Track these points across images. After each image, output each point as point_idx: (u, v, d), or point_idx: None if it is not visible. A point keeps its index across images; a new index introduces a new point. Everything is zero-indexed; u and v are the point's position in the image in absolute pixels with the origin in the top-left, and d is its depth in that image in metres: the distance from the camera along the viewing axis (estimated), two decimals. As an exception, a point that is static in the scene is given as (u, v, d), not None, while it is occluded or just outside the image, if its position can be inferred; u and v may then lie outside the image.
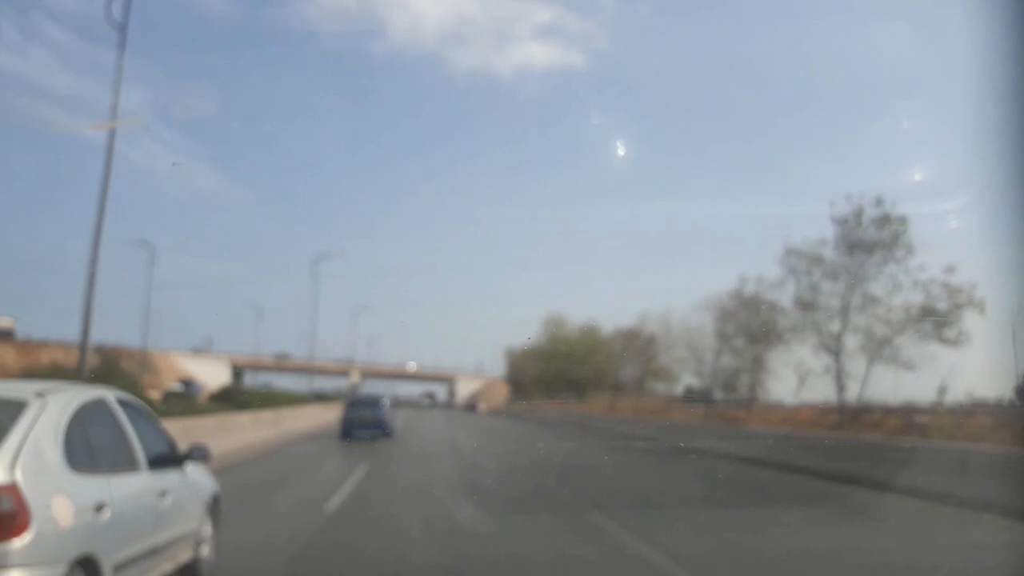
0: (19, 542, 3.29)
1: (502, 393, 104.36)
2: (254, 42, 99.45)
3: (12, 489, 3.34)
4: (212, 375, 69.75)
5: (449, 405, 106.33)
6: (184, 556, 5.28)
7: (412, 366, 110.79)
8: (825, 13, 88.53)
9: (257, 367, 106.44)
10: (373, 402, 25.57)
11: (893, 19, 78.09)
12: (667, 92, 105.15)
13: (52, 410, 3.89)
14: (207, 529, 5.79)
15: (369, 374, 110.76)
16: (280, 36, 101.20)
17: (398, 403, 60.91)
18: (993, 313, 19.87)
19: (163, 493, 4.80)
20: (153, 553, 4.57)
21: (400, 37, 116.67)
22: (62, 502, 3.57)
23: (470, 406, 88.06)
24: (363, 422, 23.98)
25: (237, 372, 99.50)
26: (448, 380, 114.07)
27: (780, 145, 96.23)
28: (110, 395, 4.72)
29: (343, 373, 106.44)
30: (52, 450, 3.72)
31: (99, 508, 3.85)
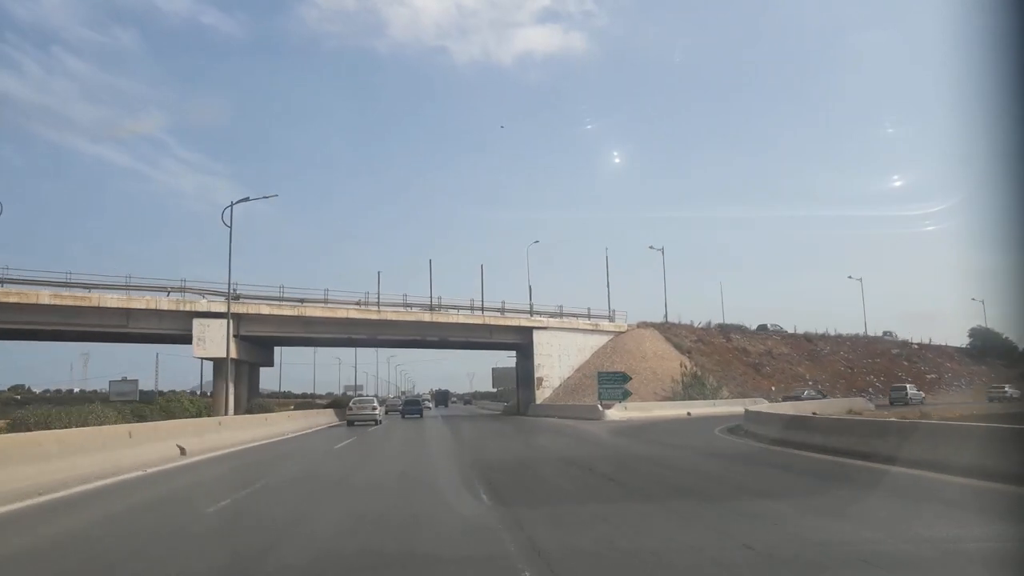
0: (378, 412, 35.15)
1: (665, 356, 47.74)
2: (261, 53, 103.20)
3: (376, 407, 34.31)
4: None
5: (518, 407, 49.15)
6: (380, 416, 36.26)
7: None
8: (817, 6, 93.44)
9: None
10: (417, 400, 52.92)
11: (879, 30, 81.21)
12: (668, 73, 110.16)
13: (376, 400, 37.00)
14: (382, 414, 35.53)
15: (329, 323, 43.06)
16: (285, 44, 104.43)
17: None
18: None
19: (381, 408, 33.67)
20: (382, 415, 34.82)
21: (401, 33, 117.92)
22: (378, 407, 35.88)
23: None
24: (411, 410, 45.71)
25: None
26: (520, 335, 48.50)
27: (770, 134, 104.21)
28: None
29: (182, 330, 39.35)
30: (377, 403, 36.95)
31: (380, 409, 35.23)
